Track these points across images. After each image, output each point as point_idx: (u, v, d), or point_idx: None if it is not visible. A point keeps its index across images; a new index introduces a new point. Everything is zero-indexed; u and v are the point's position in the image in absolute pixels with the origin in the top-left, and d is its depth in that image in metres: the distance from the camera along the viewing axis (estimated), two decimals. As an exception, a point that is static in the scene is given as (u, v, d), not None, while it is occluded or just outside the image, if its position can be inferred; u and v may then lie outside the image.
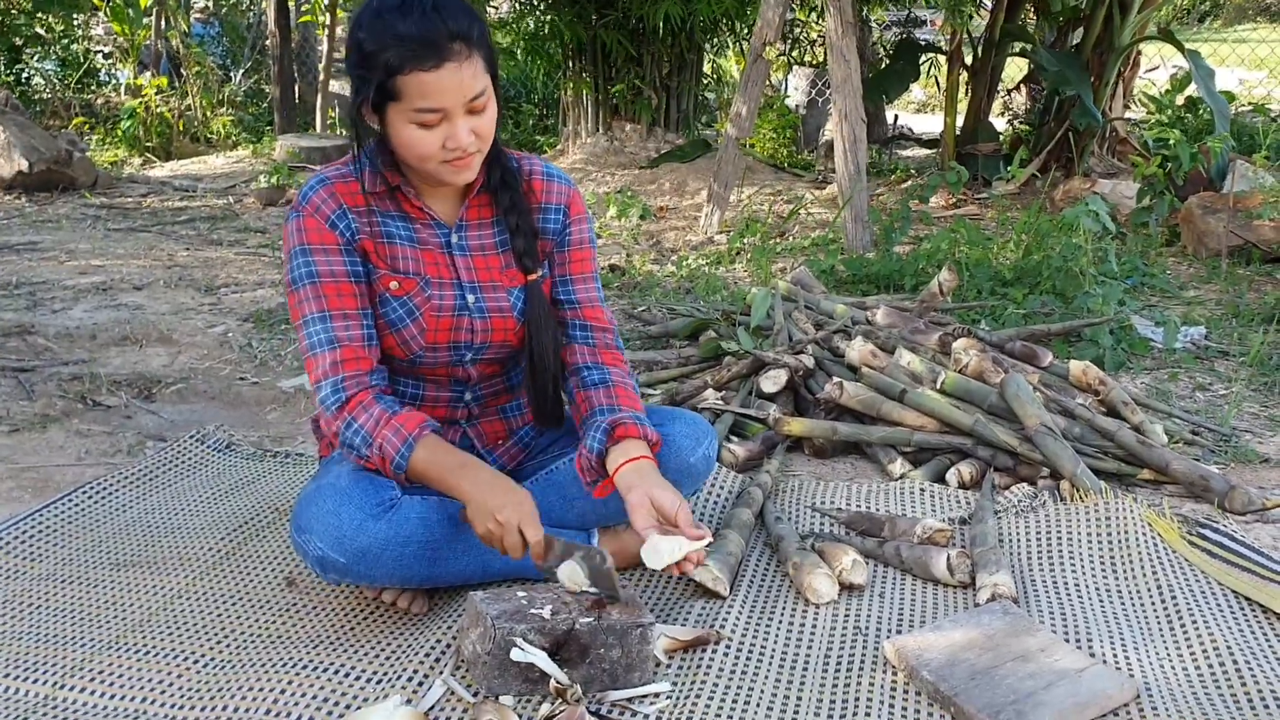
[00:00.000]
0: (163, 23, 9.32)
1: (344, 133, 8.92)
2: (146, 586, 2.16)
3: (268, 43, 11.19)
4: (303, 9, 8.99)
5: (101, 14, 9.78)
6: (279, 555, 2.28)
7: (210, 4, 11.84)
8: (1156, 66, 8.62)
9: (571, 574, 1.87)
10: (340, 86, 10.50)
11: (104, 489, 2.57)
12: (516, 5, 7.51)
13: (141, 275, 4.73)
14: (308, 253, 1.92)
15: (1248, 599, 2.06)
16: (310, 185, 1.96)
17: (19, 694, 1.81)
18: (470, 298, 2.00)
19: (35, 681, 1.84)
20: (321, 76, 8.85)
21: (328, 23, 8.67)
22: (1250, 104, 8.30)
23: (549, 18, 6.71)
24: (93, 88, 10.16)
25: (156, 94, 8.50)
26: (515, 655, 1.75)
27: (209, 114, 8.98)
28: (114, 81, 10.18)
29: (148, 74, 9.14)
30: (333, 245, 1.92)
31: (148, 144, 8.39)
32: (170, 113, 8.64)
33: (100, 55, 10.73)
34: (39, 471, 2.73)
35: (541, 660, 1.75)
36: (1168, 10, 7.83)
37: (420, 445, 1.89)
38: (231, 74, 10.24)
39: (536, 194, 2.06)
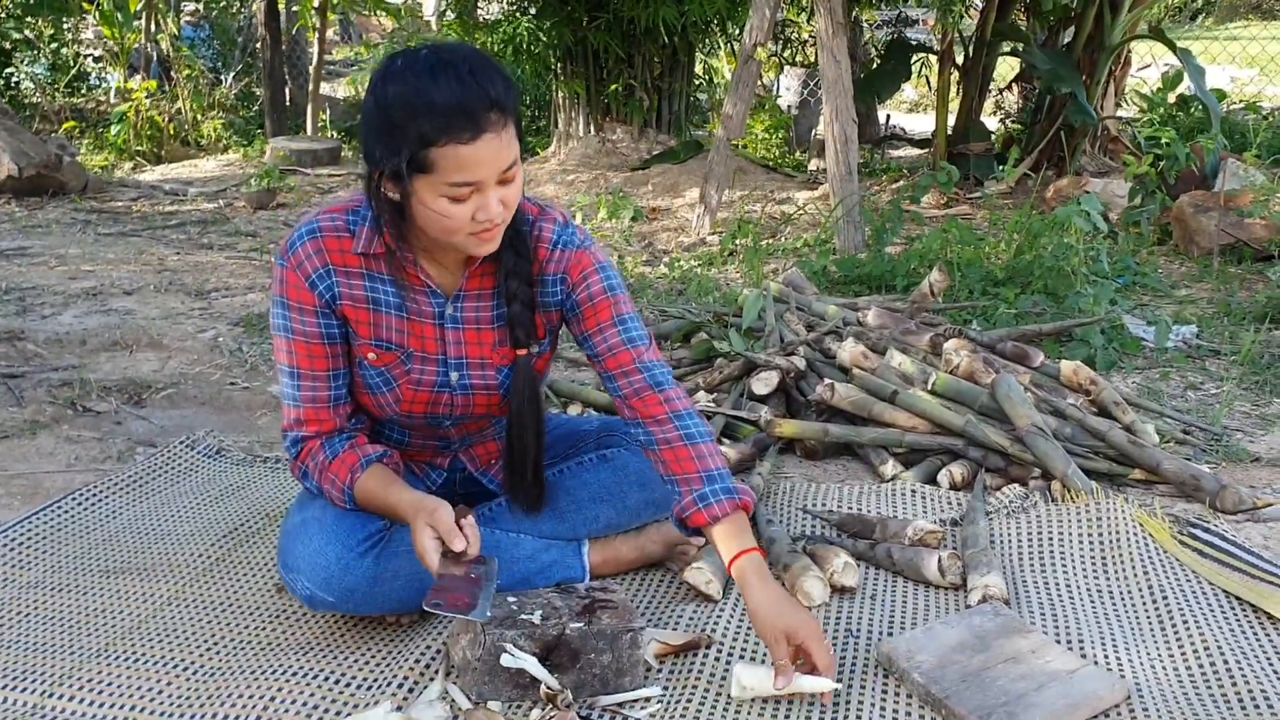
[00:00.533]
0: (153, 26, 9.30)
1: (334, 135, 8.91)
2: (136, 594, 2.15)
3: (258, 45, 11.18)
4: (294, 12, 8.96)
5: (91, 17, 9.75)
6: (268, 561, 2.27)
7: (200, 7, 11.80)
8: (1148, 65, 8.62)
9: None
10: (331, 89, 10.49)
11: (93, 495, 2.56)
12: (505, 7, 7.50)
13: (132, 280, 4.71)
14: (286, 306, 1.86)
15: (1239, 599, 2.06)
16: (300, 233, 1.85)
17: (8, 703, 1.81)
18: (454, 375, 1.94)
19: (24, 690, 1.83)
20: (312, 79, 8.82)
21: (317, 25, 8.65)
22: (1241, 101, 8.33)
23: (536, 23, 6.69)
24: (83, 91, 10.13)
25: (146, 98, 8.48)
26: (505, 661, 1.75)
27: (199, 117, 8.96)
28: (104, 85, 10.15)
29: (138, 77, 9.11)
30: (309, 306, 1.85)
31: (138, 148, 8.36)
32: (160, 116, 8.62)
33: (90, 59, 10.69)
34: (28, 478, 2.72)
35: (532, 666, 1.75)
36: (1159, 9, 7.85)
37: (363, 479, 1.88)
38: (222, 77, 10.21)
39: (540, 262, 1.90)
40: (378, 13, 7.90)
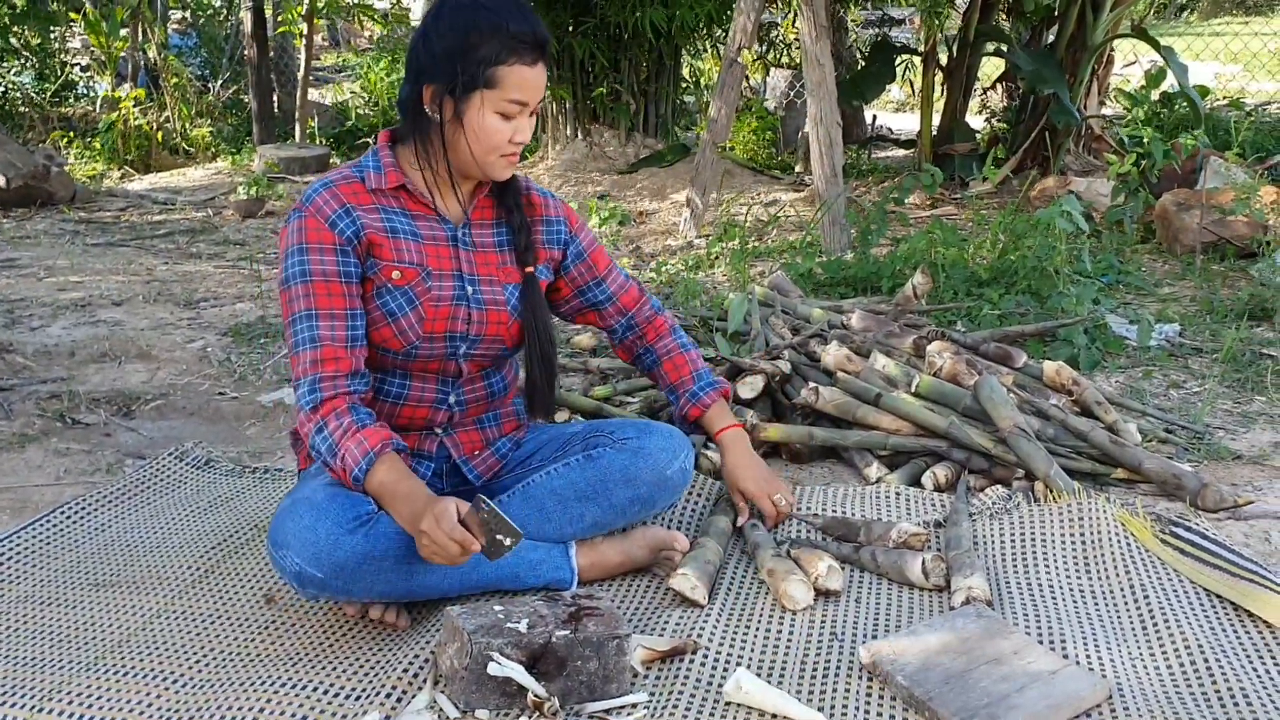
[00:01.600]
0: (140, 35, 9.29)
1: (323, 142, 8.91)
2: (125, 606, 2.16)
3: (246, 53, 11.18)
4: (279, 19, 8.97)
5: (78, 26, 9.74)
6: (257, 572, 2.29)
7: (188, 15, 11.81)
8: (1133, 61, 8.68)
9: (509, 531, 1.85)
10: (319, 95, 10.48)
11: (82, 509, 2.57)
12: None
13: (120, 291, 4.72)
14: (304, 251, 1.98)
15: (1220, 597, 2.08)
16: (314, 188, 2.03)
17: (-3, 718, 1.82)
18: (469, 289, 2.09)
19: (14, 705, 1.84)
20: (300, 86, 8.83)
21: (305, 32, 8.66)
22: (1225, 98, 8.37)
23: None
24: (70, 100, 10.13)
25: (135, 106, 8.48)
26: (492, 669, 1.76)
27: (187, 125, 8.96)
28: (91, 94, 10.15)
29: (125, 86, 9.11)
30: (329, 244, 1.98)
31: (126, 156, 8.37)
32: (149, 124, 8.62)
33: (77, 68, 10.69)
34: (17, 492, 2.73)
35: (518, 674, 1.76)
36: (1143, 6, 7.89)
37: (380, 462, 1.91)
38: (210, 85, 10.21)
39: (536, 207, 2.20)
40: (363, 19, 7.88)
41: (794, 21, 7.06)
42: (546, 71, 2.00)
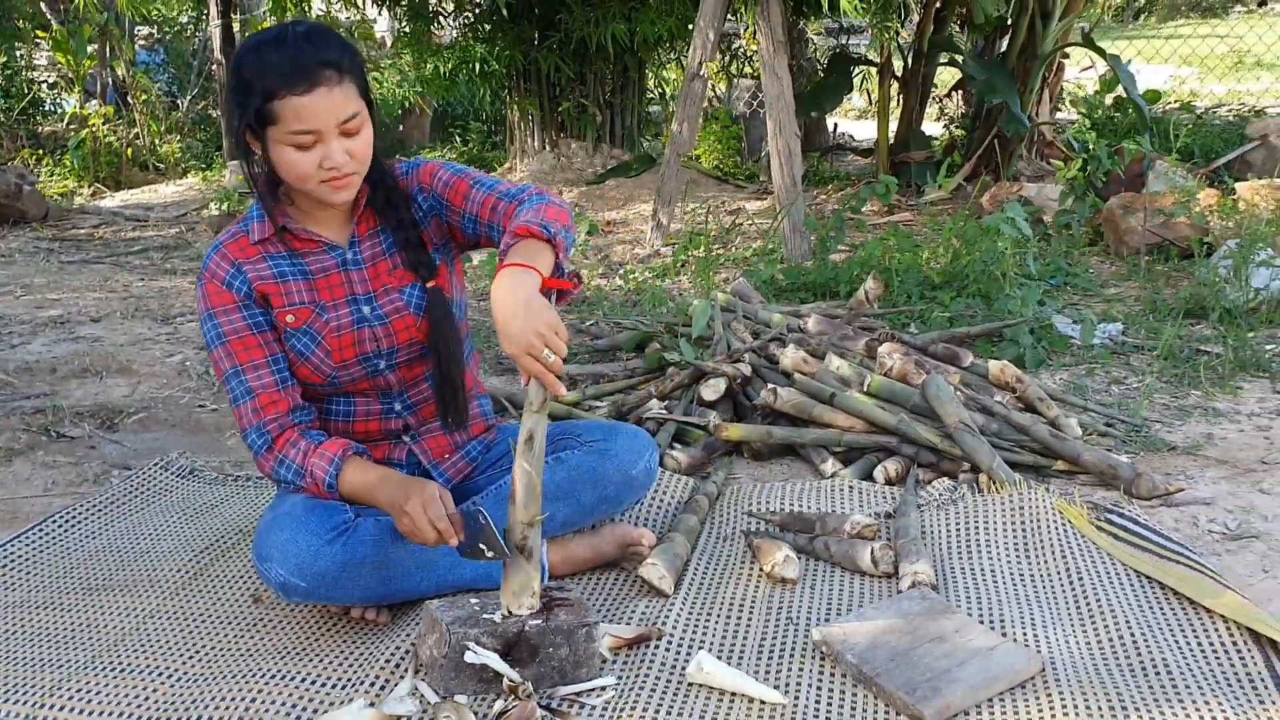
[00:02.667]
0: (108, 51, 9.35)
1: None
2: (119, 608, 2.27)
3: (214, 68, 11.23)
4: (247, 35, 9.03)
5: (44, 44, 9.78)
6: (244, 574, 2.40)
7: (155, 31, 11.85)
8: (1089, 66, 8.88)
9: (475, 534, 1.96)
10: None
11: (73, 517, 2.67)
12: (459, 30, 7.64)
13: (98, 307, 4.81)
14: (213, 315, 2.09)
15: (1149, 578, 2.22)
16: (208, 255, 2.12)
17: (1, 715, 1.92)
18: (366, 309, 2.14)
19: (16, 703, 1.94)
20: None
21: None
22: (1178, 101, 8.60)
23: (487, 48, 6.85)
24: (37, 118, 10.16)
25: (104, 123, 8.54)
26: (469, 657, 1.89)
27: (157, 142, 9.01)
28: (59, 111, 10.18)
29: (93, 103, 9.16)
30: (231, 304, 2.08)
31: (97, 174, 8.42)
32: (118, 141, 8.68)
33: (44, 85, 10.71)
34: (7, 504, 2.83)
35: (493, 661, 1.89)
36: (1095, 12, 8.07)
37: (346, 466, 2.04)
38: (178, 101, 10.27)
39: (401, 193, 2.18)
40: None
41: (754, 34, 7.23)
42: (340, 88, 1.92)
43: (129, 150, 8.77)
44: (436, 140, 9.83)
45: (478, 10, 7.27)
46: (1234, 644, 1.98)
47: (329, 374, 2.14)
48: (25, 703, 1.94)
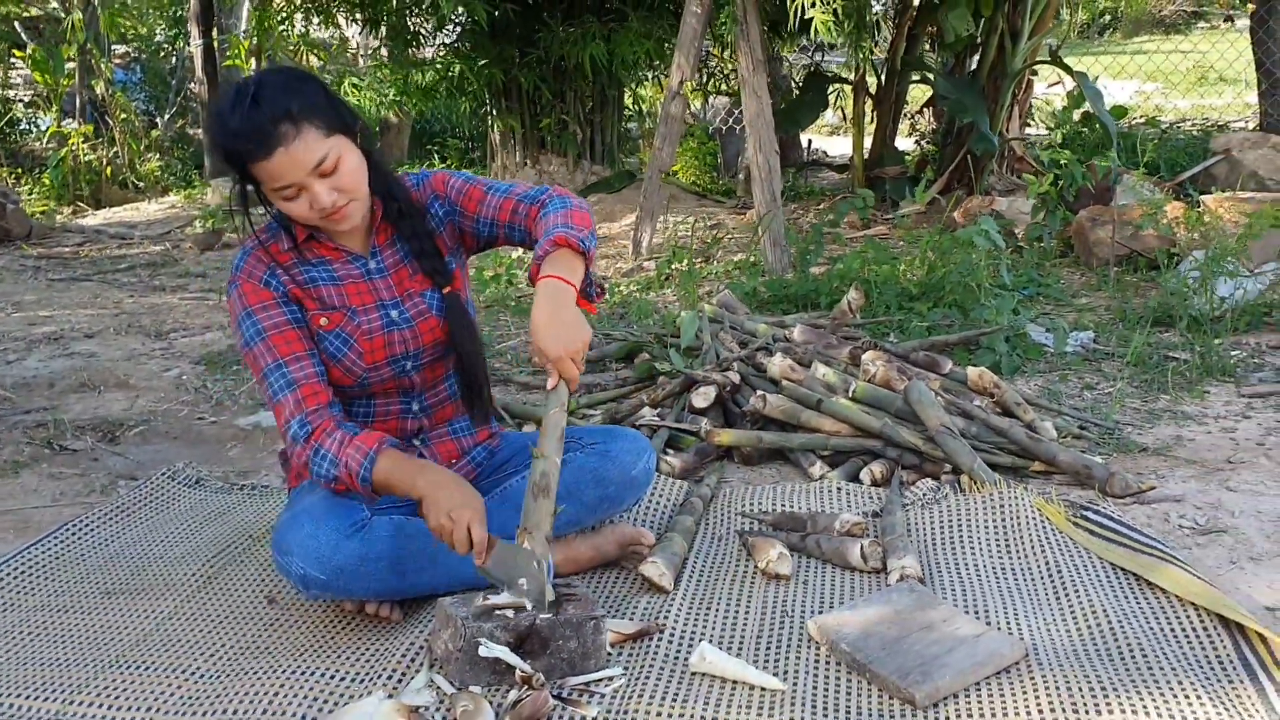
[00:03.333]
0: (86, 71, 9.38)
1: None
2: (138, 611, 2.34)
3: (193, 87, 11.27)
4: (227, 54, 9.12)
5: (21, 63, 9.80)
6: (258, 577, 2.48)
7: (131, 49, 11.89)
8: (1057, 82, 9.08)
9: (508, 564, 2.05)
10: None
11: (85, 526, 2.74)
12: (440, 48, 7.75)
13: (90, 324, 4.88)
14: (251, 313, 2.17)
15: (1124, 570, 2.34)
16: (240, 258, 2.21)
17: (31, 712, 1.98)
18: (394, 313, 2.25)
19: (46, 699, 2.01)
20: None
21: (253, 68, 8.81)
22: (1143, 117, 8.81)
23: (467, 65, 6.95)
24: (14, 138, 10.17)
25: (84, 142, 8.58)
26: (483, 651, 1.98)
27: (137, 160, 9.06)
28: (35, 130, 10.20)
29: (71, 122, 9.20)
30: (270, 300, 2.17)
31: (77, 192, 8.46)
32: (98, 160, 8.72)
33: (20, 104, 10.73)
34: (17, 514, 2.90)
35: (505, 654, 1.98)
36: (1065, 29, 8.27)
37: (382, 457, 2.11)
38: (157, 120, 10.32)
39: (416, 204, 2.30)
40: (299, 50, 8.06)
41: (728, 53, 7.37)
42: (300, 140, 1.99)
43: (108, 169, 8.80)
44: (415, 157, 9.91)
45: (459, 29, 7.38)
46: (1204, 629, 2.10)
47: (360, 375, 2.24)
48: (55, 699, 2.01)
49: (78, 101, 9.51)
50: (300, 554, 2.10)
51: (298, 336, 2.17)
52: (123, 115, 9.07)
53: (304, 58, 7.59)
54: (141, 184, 8.98)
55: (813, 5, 4.37)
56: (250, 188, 2.12)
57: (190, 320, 4.94)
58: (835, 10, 4.50)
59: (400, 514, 2.25)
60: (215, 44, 8.90)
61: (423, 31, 7.42)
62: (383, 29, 7.33)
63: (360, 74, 8.91)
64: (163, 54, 11.78)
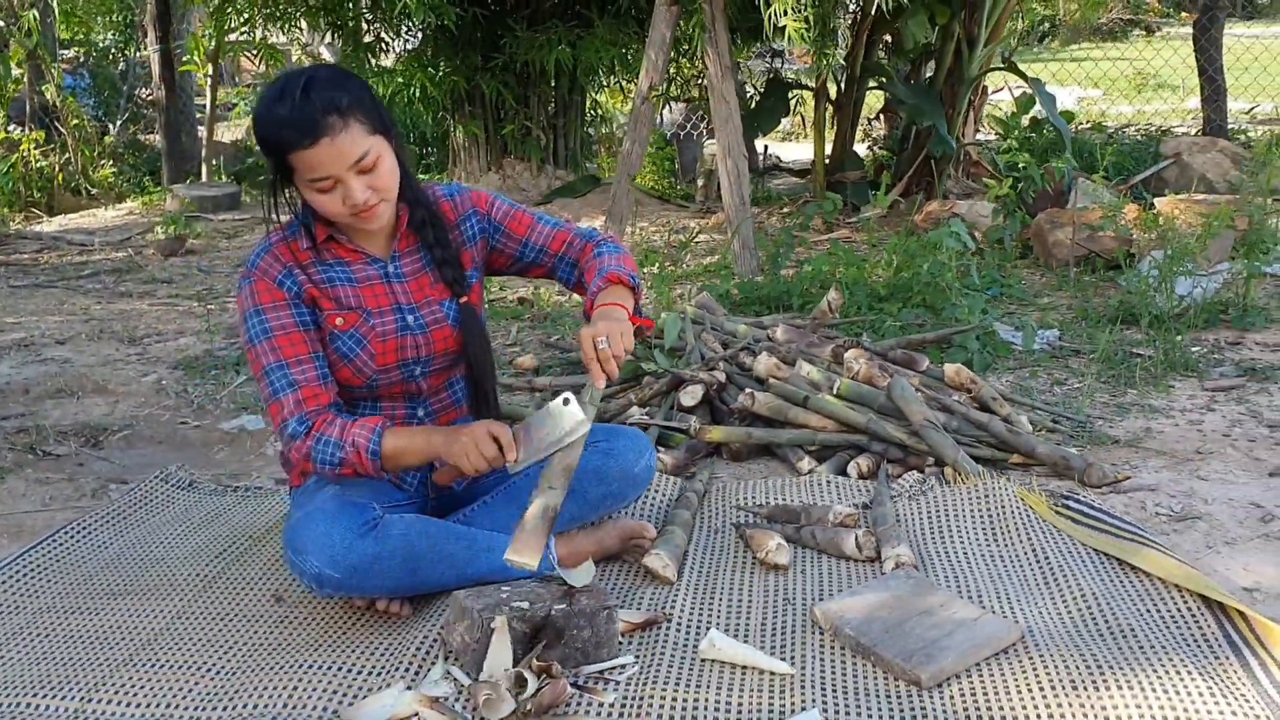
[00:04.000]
0: (35, 76, 9.25)
1: (227, 179, 9.01)
2: (145, 611, 2.35)
3: (142, 93, 11.16)
4: (183, 59, 9.04)
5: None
6: (262, 576, 2.50)
7: (79, 54, 11.73)
8: (1001, 88, 9.27)
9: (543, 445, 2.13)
10: (222, 134, 10.53)
11: (82, 529, 2.75)
12: (401, 55, 7.75)
13: (60, 330, 4.84)
14: (261, 312, 2.20)
15: (1107, 555, 2.44)
16: (257, 253, 2.24)
17: (50, 710, 1.99)
18: (410, 318, 2.29)
19: (63, 698, 2.02)
20: (205, 126, 8.91)
21: (210, 72, 8.76)
22: (1089, 123, 9.02)
23: (428, 74, 6.97)
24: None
25: (35, 148, 8.47)
26: (496, 632, 2.01)
27: (90, 167, 8.96)
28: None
29: (18, 128, 9.06)
30: (281, 301, 2.20)
31: (29, 199, 8.35)
32: (50, 166, 8.61)
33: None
34: (9, 519, 2.89)
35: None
36: (1012, 38, 8.43)
37: (388, 433, 2.17)
38: (109, 126, 10.20)
39: (448, 216, 2.36)
40: (270, 57, 8.02)
41: (687, 59, 7.45)
42: (345, 133, 2.05)
43: (60, 175, 8.70)
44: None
45: (421, 36, 7.40)
46: (1189, 611, 2.20)
47: (370, 376, 2.27)
48: (73, 697, 2.03)
49: (27, 107, 9.37)
50: (315, 553, 2.13)
51: (304, 339, 2.21)
52: (74, 121, 8.95)
53: (263, 64, 7.54)
54: (95, 191, 8.87)
55: (785, 14, 4.45)
56: (281, 185, 2.17)
57: (162, 326, 4.92)
58: (807, 18, 4.58)
59: (410, 512, 2.29)
60: (172, 49, 8.82)
61: (385, 38, 7.42)
62: (338, 36, 7.31)
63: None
64: (110, 59, 11.64)
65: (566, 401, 2.12)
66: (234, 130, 11.35)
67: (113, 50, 11.64)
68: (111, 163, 9.33)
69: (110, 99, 10.89)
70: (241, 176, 9.18)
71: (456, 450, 2.13)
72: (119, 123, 10.22)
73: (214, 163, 9.00)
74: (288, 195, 2.22)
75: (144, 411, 3.74)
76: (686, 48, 6.69)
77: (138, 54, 10.85)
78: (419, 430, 2.22)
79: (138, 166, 9.69)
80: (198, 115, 9.79)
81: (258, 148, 2.24)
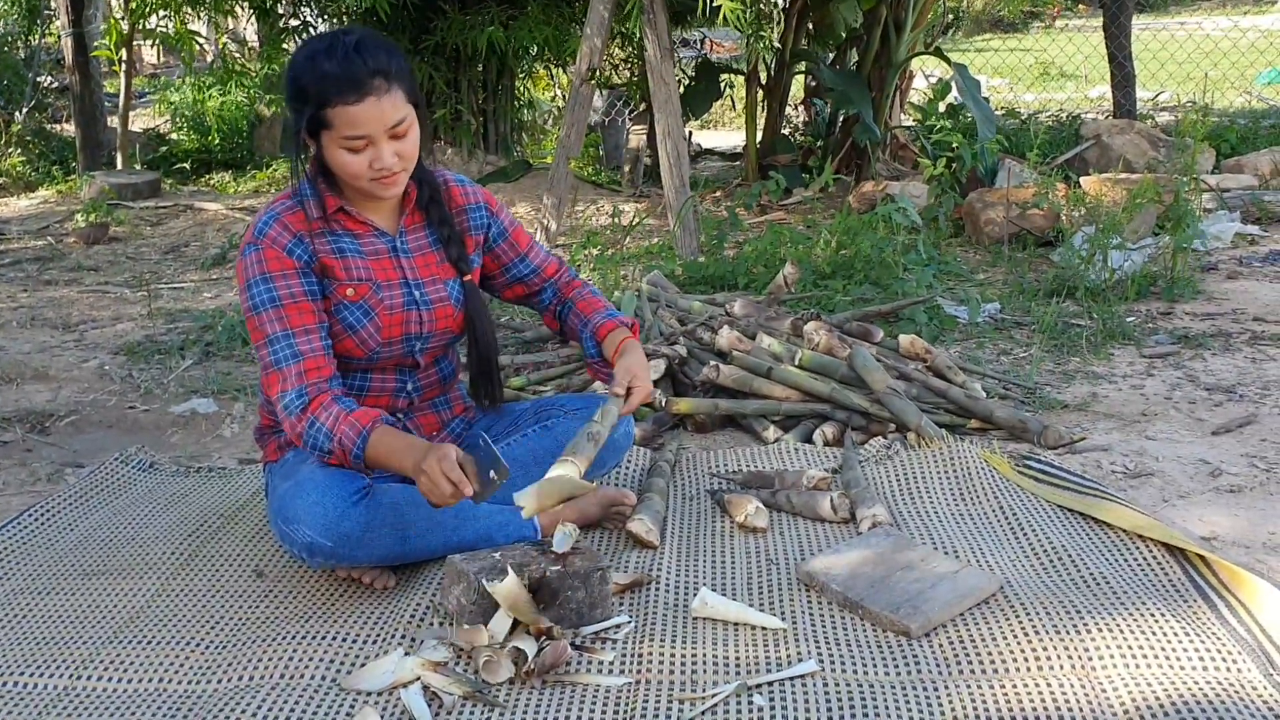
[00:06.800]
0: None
1: (143, 166, 8.79)
2: (123, 590, 2.31)
3: (44, 80, 10.82)
4: (95, 45, 8.79)
5: None
6: (240, 553, 2.47)
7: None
8: (913, 75, 9.46)
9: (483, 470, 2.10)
10: (133, 122, 10.25)
11: (44, 512, 2.68)
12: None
13: (-12, 318, 4.71)
14: (269, 279, 2.17)
15: (1071, 510, 2.53)
16: (264, 221, 2.21)
17: (38, 689, 1.95)
18: (417, 293, 2.30)
19: (51, 676, 1.99)
20: (121, 111, 8.68)
21: (125, 58, 8.53)
22: (1002, 109, 9.26)
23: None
24: None
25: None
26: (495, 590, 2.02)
27: (-5, 156, 8.68)
28: None
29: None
30: (291, 270, 2.19)
31: (-67, 188, 8.07)
32: (-47, 155, 8.33)
33: None
34: (-37, 505, 2.82)
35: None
36: (935, 23, 8.60)
37: (373, 434, 2.14)
38: (14, 113, 9.87)
39: (456, 199, 2.40)
40: (190, 41, 7.82)
41: (622, 44, 7.47)
42: (389, 96, 2.07)
43: (-36, 164, 8.42)
44: (288, 150, 9.73)
45: (347, 18, 7.30)
46: (1155, 559, 2.30)
47: (373, 349, 2.27)
48: (61, 674, 2.00)
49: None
50: (308, 522, 2.12)
51: (311, 309, 2.20)
52: (-22, 109, 8.67)
53: (190, 46, 7.35)
54: (3, 180, 8.59)
55: (723, -5, 4.49)
56: (305, 135, 2.13)
57: (96, 312, 4.80)
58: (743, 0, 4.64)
59: (398, 482, 2.29)
60: (85, 34, 8.57)
61: (309, 21, 7.30)
62: (251, 21, 7.18)
63: (220, 73, 8.66)
64: (8, 46, 11.25)
65: (483, 442, 2.11)
66: (144, 118, 11.07)
67: (13, 36, 11.26)
68: (19, 151, 9.03)
69: (13, 86, 10.53)
70: (157, 164, 8.98)
71: (421, 489, 2.09)
72: (24, 110, 9.89)
73: (130, 150, 8.77)
74: (302, 161, 2.20)
75: (89, 397, 3.66)
76: (618, 30, 6.70)
77: (42, 39, 10.51)
78: (400, 445, 2.13)
79: (45, 155, 9.40)
80: (107, 103, 9.54)
81: (288, 98, 2.17)
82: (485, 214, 2.43)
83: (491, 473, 2.08)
